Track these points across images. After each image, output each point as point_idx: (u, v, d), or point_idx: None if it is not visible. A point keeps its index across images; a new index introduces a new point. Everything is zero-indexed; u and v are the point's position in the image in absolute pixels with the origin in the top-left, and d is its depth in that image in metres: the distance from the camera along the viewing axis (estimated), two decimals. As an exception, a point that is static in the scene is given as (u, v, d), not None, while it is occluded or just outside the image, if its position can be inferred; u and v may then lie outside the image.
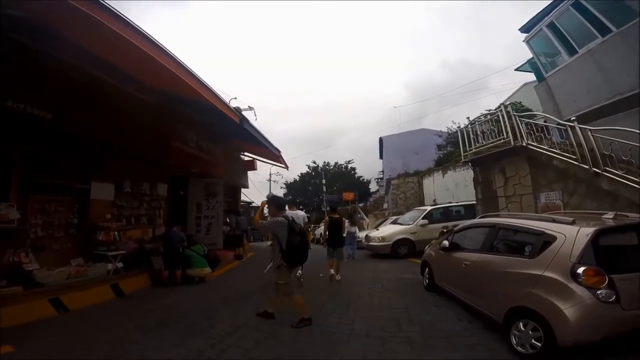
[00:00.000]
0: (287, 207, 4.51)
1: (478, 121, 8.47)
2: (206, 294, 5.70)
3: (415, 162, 24.18)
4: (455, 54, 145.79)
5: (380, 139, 32.33)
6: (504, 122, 7.24)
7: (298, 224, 4.03)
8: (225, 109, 6.07)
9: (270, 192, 37.70)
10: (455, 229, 5.08)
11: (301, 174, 40.46)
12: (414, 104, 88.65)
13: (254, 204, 36.21)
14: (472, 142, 8.40)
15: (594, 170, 4.98)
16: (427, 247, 6.23)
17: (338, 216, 7.18)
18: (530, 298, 2.89)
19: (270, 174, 36.57)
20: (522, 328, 2.92)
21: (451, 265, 4.58)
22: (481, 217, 4.93)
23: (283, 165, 12.21)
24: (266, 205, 4.36)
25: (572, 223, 3.02)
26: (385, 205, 25.82)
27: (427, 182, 17.79)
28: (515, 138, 6.86)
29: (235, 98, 25.16)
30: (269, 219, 4.11)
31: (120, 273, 5.81)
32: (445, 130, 23.51)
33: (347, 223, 8.30)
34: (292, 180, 40.25)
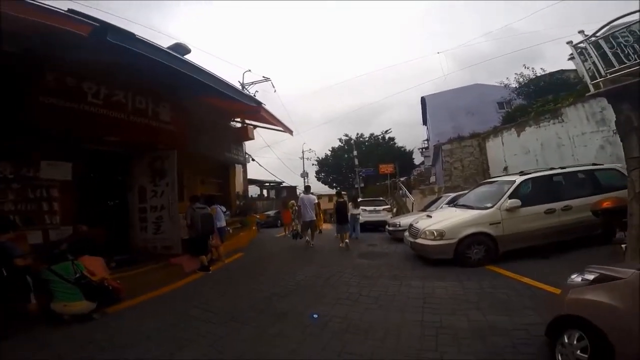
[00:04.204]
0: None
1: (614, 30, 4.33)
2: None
3: (470, 124, 18.92)
4: (497, 22, 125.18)
5: (423, 99, 26.63)
6: None
7: None
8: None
9: (304, 170, 35.19)
10: None
11: (332, 148, 36.88)
12: (461, 47, 75.73)
13: (285, 184, 34.06)
14: (602, 67, 4.43)
15: None
16: (574, 276, 2.59)
17: (343, 200, 8.94)
18: None
19: (303, 152, 33.71)
20: None
21: None
22: None
23: (282, 129, 8.67)
24: None
25: None
26: (432, 179, 21.33)
27: (493, 145, 13.11)
28: None
29: (250, 70, 22.79)
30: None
31: None
32: (512, 80, 18.06)
33: (350, 205, 9.66)
34: (324, 157, 37.13)
